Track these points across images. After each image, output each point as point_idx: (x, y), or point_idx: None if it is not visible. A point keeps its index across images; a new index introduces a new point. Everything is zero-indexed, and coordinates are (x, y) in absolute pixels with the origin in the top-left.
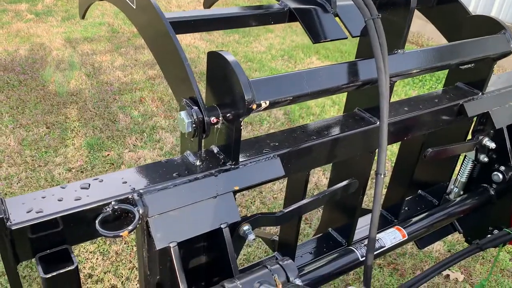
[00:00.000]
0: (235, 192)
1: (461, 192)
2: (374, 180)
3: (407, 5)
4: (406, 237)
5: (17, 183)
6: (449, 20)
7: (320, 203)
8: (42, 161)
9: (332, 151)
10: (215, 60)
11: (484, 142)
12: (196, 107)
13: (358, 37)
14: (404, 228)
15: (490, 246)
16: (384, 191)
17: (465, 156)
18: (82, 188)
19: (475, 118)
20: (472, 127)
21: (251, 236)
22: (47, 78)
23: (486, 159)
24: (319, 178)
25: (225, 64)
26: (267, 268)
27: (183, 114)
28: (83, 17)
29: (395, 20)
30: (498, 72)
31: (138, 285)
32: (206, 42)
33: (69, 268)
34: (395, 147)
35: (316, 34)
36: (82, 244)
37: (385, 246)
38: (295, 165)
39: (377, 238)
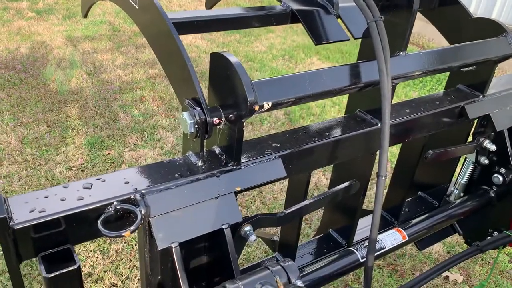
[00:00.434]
0: (236, 193)
1: (461, 194)
2: (374, 182)
3: (410, 7)
4: (406, 239)
5: (18, 181)
6: (450, 22)
7: (321, 204)
8: (43, 159)
9: (333, 153)
10: (218, 61)
11: (484, 144)
12: (199, 108)
13: (360, 39)
14: (404, 229)
15: (490, 248)
16: (384, 192)
17: (466, 158)
18: (84, 187)
19: (476, 120)
20: (473, 129)
21: (252, 237)
22: (48, 77)
23: (486, 161)
24: (319, 178)
25: (228, 65)
26: (269, 269)
27: (185, 114)
28: (85, 16)
29: (397, 22)
30: (498, 74)
31: (138, 284)
32: (207, 42)
33: (72, 268)
34: (395, 149)
35: (318, 36)
36: (83, 243)
37: (385, 248)
38: (296, 166)
39: (377, 240)
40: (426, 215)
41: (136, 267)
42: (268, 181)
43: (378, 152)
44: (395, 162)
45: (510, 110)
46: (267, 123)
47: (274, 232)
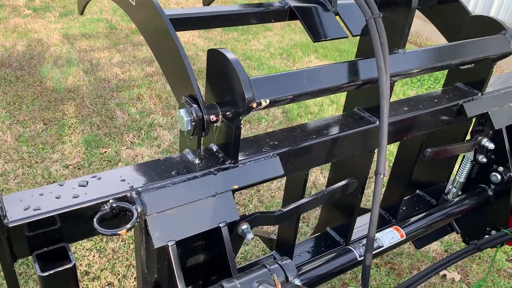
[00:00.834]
0: (234, 191)
1: (459, 193)
2: (372, 180)
3: (408, 5)
4: (404, 237)
5: (14, 180)
6: (449, 20)
7: (319, 203)
8: (39, 157)
9: (331, 151)
10: (215, 58)
11: (483, 142)
12: (196, 105)
13: (358, 37)
14: (402, 228)
15: (488, 246)
16: (382, 190)
17: (464, 156)
18: (80, 185)
19: (474, 119)
20: (471, 128)
21: (250, 235)
22: (44, 74)
23: (484, 160)
24: (317, 177)
25: (225, 62)
26: (266, 267)
27: (182, 112)
28: (82, 12)
29: (396, 19)
30: (496, 73)
31: (135, 283)
32: (204, 40)
33: (67, 266)
34: (393, 147)
35: (316, 33)
36: (78, 241)
37: (383, 246)
38: (294, 164)
39: (375, 238)
40: (424, 213)
41: (133, 266)
42: (265, 179)
43: (376, 150)
44: (392, 161)
45: (509, 108)
46: (264, 122)
47: (271, 230)
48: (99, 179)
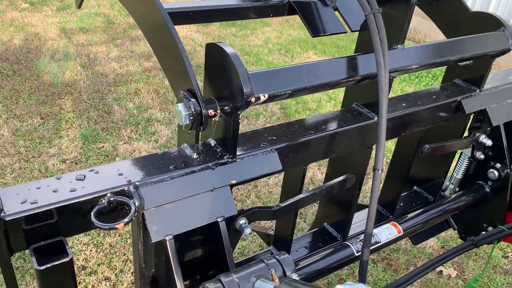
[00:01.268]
0: (232, 186)
1: (457, 189)
2: (370, 176)
3: (408, 0)
4: (402, 233)
5: (11, 174)
6: (448, 16)
7: (317, 198)
8: (36, 152)
9: (329, 146)
10: (214, 52)
11: (480, 139)
12: (194, 100)
13: (356, 33)
14: (399, 223)
15: (485, 242)
16: (380, 187)
17: (461, 153)
18: (77, 179)
19: (472, 115)
20: (469, 124)
21: (248, 230)
22: (41, 68)
23: (482, 156)
24: (315, 173)
25: (224, 56)
26: (264, 262)
27: (180, 106)
28: (79, 6)
29: (395, 14)
30: (494, 70)
31: (132, 278)
32: (202, 35)
33: (64, 260)
34: (391, 144)
35: (315, 28)
36: (75, 236)
37: (380, 242)
38: (292, 159)
39: (372, 234)
40: (421, 209)
41: (130, 261)
42: (263, 174)
43: (374, 146)
44: (390, 157)
45: (507, 105)
46: (262, 117)
47: (269, 226)
48: (96, 173)
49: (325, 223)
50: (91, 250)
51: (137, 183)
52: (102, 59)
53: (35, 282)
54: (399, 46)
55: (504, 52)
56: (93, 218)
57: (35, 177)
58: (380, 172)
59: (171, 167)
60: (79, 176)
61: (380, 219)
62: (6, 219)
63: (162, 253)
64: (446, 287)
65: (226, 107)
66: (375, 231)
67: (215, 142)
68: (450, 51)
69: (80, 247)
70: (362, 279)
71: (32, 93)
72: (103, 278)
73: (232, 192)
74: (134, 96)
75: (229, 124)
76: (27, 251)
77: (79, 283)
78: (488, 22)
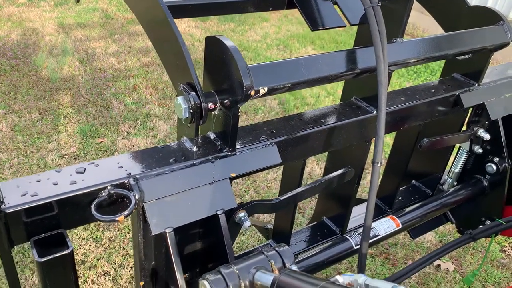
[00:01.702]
0: (231, 179)
1: (455, 183)
2: (368, 171)
3: None
4: (400, 227)
5: (9, 169)
6: (447, 10)
7: (316, 191)
8: (35, 147)
9: (328, 140)
10: (213, 45)
11: (479, 133)
12: (194, 93)
13: (356, 27)
14: (398, 217)
15: (483, 236)
16: (379, 181)
17: (460, 147)
18: (77, 172)
19: (470, 109)
20: (467, 118)
21: (247, 223)
22: (39, 64)
23: (480, 150)
24: (313, 168)
25: (223, 49)
26: (264, 254)
27: (180, 99)
28: (78, 1)
29: (394, 8)
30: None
31: (132, 272)
32: (201, 30)
33: (65, 252)
34: (389, 139)
35: (314, 22)
36: (75, 230)
37: (379, 235)
38: (291, 153)
39: (371, 227)
40: (420, 203)
41: (130, 255)
42: (263, 168)
43: (373, 140)
44: (388, 152)
45: (505, 99)
46: (261, 113)
47: (268, 221)
48: (96, 166)
49: (324, 217)
50: (90, 245)
51: (137, 176)
52: (100, 55)
53: (34, 277)
54: (398, 39)
55: (502, 46)
56: (93, 211)
57: (33, 172)
58: (379, 165)
59: (171, 160)
60: (79, 169)
61: (379, 213)
62: (7, 212)
63: (162, 245)
64: (444, 281)
65: (225, 100)
66: (373, 224)
67: (215, 136)
68: (449, 45)
69: (79, 241)
70: (361, 270)
71: (30, 89)
72: (103, 273)
73: (232, 185)
74: (133, 91)
75: (228, 117)
76: (26, 246)
77: (79, 277)
78: (487, 16)
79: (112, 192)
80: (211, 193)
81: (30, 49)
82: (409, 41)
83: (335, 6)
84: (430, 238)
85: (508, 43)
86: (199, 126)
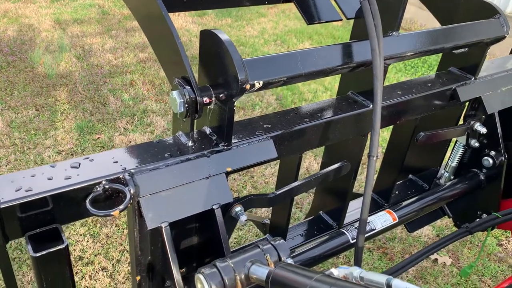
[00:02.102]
0: (227, 173)
1: (452, 177)
2: (365, 166)
3: None
4: (397, 220)
5: (6, 165)
6: (443, 4)
7: (312, 185)
8: (32, 143)
9: (325, 134)
10: (208, 38)
11: (475, 127)
12: (189, 87)
13: (352, 21)
14: (394, 211)
15: (479, 229)
16: (375, 176)
17: (456, 141)
18: (72, 167)
19: (467, 103)
20: (464, 112)
21: (243, 217)
22: (36, 60)
23: (477, 144)
24: (311, 163)
25: (218, 43)
26: (259, 247)
27: (175, 93)
28: None
29: (390, 1)
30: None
31: (129, 268)
32: (198, 26)
33: (59, 247)
34: (386, 133)
35: (310, 15)
36: (72, 226)
37: (375, 229)
38: (288, 147)
39: (368, 221)
40: (416, 197)
41: (127, 251)
42: (259, 162)
43: (369, 134)
44: (385, 147)
45: (501, 93)
46: (258, 108)
47: (265, 216)
48: (91, 160)
49: (321, 212)
50: (87, 241)
51: (132, 170)
52: (97, 51)
53: (31, 273)
54: (394, 33)
55: (498, 39)
56: (88, 205)
57: None
58: (375, 158)
59: (166, 155)
60: (74, 164)
61: (376, 207)
62: (1, 207)
63: (158, 240)
64: (441, 275)
65: (221, 95)
66: (370, 218)
67: (210, 130)
68: (445, 38)
69: (77, 237)
70: (357, 264)
71: (26, 85)
72: (100, 268)
73: (228, 180)
74: (130, 87)
75: (224, 111)
76: (24, 242)
77: (76, 273)
78: (483, 10)
79: (107, 187)
80: (207, 187)
81: (27, 45)
82: (405, 34)
83: (331, 0)
84: (427, 233)
85: (505, 37)
86: (195, 121)
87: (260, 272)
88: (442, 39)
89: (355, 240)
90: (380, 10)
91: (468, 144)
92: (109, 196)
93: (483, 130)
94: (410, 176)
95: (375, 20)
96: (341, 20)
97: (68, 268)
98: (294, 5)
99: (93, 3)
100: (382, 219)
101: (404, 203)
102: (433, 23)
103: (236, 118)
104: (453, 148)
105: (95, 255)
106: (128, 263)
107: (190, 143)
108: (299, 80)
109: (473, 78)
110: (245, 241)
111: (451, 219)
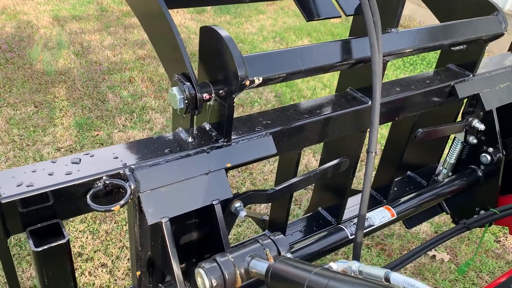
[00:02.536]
0: (227, 169)
1: (450, 174)
2: (364, 163)
3: None
4: (395, 216)
5: (5, 162)
6: (442, 1)
7: (311, 181)
8: (30, 140)
9: (324, 130)
10: (208, 35)
11: (473, 123)
12: (189, 83)
13: (351, 18)
14: (393, 207)
15: (477, 225)
16: (374, 172)
17: (455, 137)
18: (73, 162)
19: (465, 100)
20: (462, 109)
21: (243, 213)
22: (34, 57)
23: (475, 141)
24: (310, 160)
25: (218, 39)
26: (259, 242)
27: (175, 89)
28: None
29: None
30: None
31: (128, 264)
32: (197, 23)
33: (60, 242)
34: (384, 130)
35: (309, 12)
36: (71, 223)
37: (374, 225)
38: (287, 143)
39: (366, 217)
40: (415, 193)
41: (126, 247)
42: (258, 158)
43: (368, 130)
44: (384, 144)
45: (499, 90)
46: (257, 105)
47: (264, 212)
48: (92, 156)
49: (320, 208)
50: (87, 237)
51: (132, 166)
52: (96, 47)
53: (31, 269)
54: (393, 30)
55: (497, 36)
56: (89, 201)
57: None
58: (373, 154)
59: (166, 151)
60: (74, 160)
61: (374, 203)
62: (2, 202)
63: (158, 235)
64: (439, 271)
65: (220, 91)
66: (368, 214)
67: (210, 126)
68: (444, 35)
69: (76, 234)
70: (356, 259)
71: (25, 82)
72: (100, 265)
73: (227, 176)
74: (129, 84)
75: (224, 108)
76: (23, 239)
77: (76, 269)
78: (482, 7)
79: (107, 182)
80: (206, 183)
81: (25, 42)
82: (404, 31)
83: None
84: (425, 229)
85: (503, 34)
86: (194, 117)
87: (259, 266)
88: (441, 36)
89: (353, 236)
90: (379, 7)
91: (466, 141)
92: (109, 192)
93: (481, 126)
94: (409, 172)
95: (374, 17)
96: (340, 16)
97: (69, 263)
98: (293, 2)
99: None
100: (380, 215)
101: (403, 199)
102: (432, 20)
103: (235, 114)
104: (451, 145)
105: (95, 252)
106: (128, 259)
107: (190, 139)
108: (299, 77)
109: (471, 75)
110: (244, 238)
111: (449, 215)
